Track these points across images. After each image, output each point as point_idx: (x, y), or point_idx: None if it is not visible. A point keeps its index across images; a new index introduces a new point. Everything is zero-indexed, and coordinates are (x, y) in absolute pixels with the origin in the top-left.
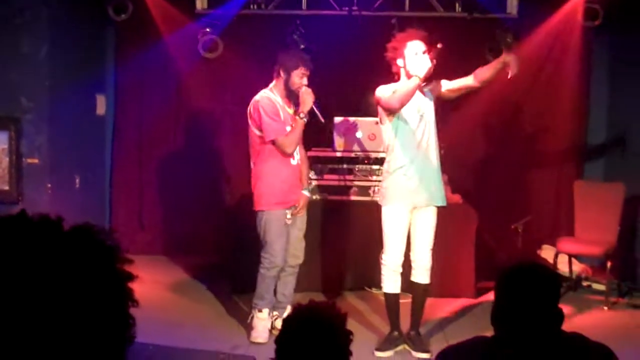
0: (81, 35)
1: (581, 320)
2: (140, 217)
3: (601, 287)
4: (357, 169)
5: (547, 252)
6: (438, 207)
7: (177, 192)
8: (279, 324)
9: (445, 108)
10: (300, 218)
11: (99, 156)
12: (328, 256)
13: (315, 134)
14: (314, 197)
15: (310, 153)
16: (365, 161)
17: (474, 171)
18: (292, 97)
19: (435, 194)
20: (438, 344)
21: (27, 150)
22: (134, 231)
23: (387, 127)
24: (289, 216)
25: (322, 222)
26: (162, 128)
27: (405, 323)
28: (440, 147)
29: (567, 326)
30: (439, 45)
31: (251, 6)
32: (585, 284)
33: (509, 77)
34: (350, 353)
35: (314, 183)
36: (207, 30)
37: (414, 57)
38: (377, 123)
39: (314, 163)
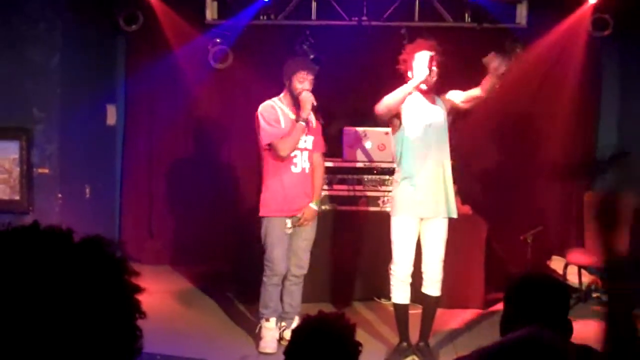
0: (92, 45)
1: (590, 332)
2: (150, 226)
3: None
4: (366, 179)
5: (556, 263)
6: (449, 219)
7: (187, 202)
8: (287, 334)
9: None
10: (306, 229)
11: (109, 166)
12: (337, 266)
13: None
14: (324, 207)
15: None
16: (375, 171)
17: (484, 182)
18: (298, 103)
19: (443, 205)
20: (447, 355)
21: (37, 160)
22: (143, 240)
23: (395, 137)
24: (289, 225)
25: (332, 232)
26: (172, 138)
27: (414, 334)
28: (452, 158)
29: (576, 338)
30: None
31: (261, 17)
32: (594, 295)
33: (497, 76)
34: None
35: (323, 193)
36: (218, 40)
37: (418, 67)
38: (386, 133)
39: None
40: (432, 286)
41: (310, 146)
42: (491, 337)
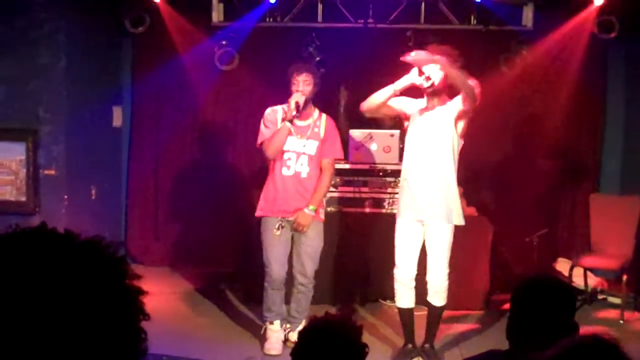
0: (98, 47)
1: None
2: (156, 228)
3: (617, 301)
4: (371, 181)
5: (562, 265)
6: (456, 226)
7: (193, 204)
8: (292, 336)
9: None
10: (308, 235)
11: (115, 167)
12: (342, 268)
13: None
14: (329, 208)
15: None
16: (380, 173)
17: (489, 184)
18: (305, 108)
19: (442, 210)
20: (452, 358)
21: (44, 161)
22: (148, 242)
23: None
24: (276, 226)
25: (337, 234)
26: (177, 139)
27: (419, 336)
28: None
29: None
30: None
31: (267, 19)
32: (600, 297)
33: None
34: None
35: (329, 195)
36: (224, 42)
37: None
38: (392, 135)
39: None
40: (435, 297)
41: (310, 151)
42: (497, 339)
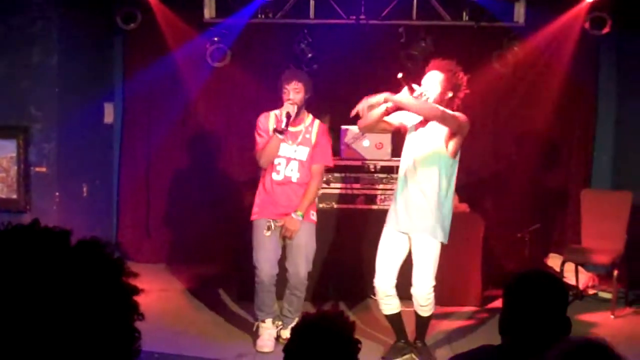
0: (90, 44)
1: (588, 329)
2: (147, 225)
3: (608, 296)
4: (363, 178)
5: (553, 261)
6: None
7: (184, 201)
8: (284, 333)
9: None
10: (297, 238)
11: (106, 165)
12: (334, 264)
13: None
14: (321, 205)
15: None
16: (372, 170)
17: (481, 180)
18: (297, 115)
19: (425, 225)
20: (444, 353)
21: (35, 158)
22: (140, 239)
23: None
24: (266, 227)
25: (329, 231)
26: (169, 136)
27: (411, 331)
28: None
29: (574, 335)
30: (399, 76)
31: (259, 15)
32: (592, 292)
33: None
34: None
35: (320, 192)
36: (216, 39)
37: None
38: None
39: None
40: (420, 309)
41: (301, 157)
42: (489, 335)
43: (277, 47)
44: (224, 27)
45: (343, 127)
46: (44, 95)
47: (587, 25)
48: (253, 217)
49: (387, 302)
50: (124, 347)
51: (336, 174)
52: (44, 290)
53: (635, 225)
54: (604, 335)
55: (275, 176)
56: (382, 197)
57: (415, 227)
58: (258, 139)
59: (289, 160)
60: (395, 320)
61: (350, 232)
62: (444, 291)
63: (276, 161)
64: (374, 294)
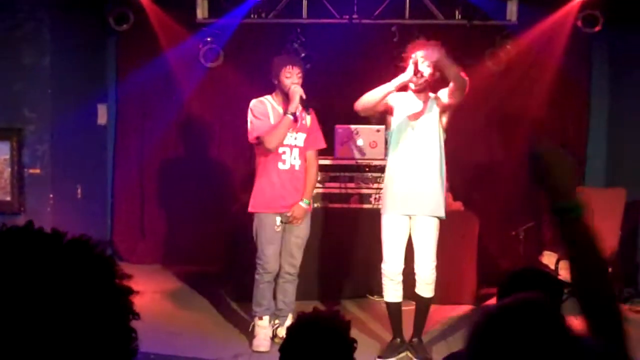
0: (82, 45)
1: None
2: (142, 226)
3: None
4: (357, 177)
5: (548, 259)
6: (440, 219)
7: (178, 202)
8: (280, 332)
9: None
10: (299, 227)
11: (100, 166)
12: (329, 264)
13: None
14: (315, 204)
15: None
16: (366, 169)
17: (475, 178)
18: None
19: (429, 204)
20: (440, 351)
21: (29, 160)
22: (135, 240)
23: (387, 134)
24: (278, 222)
25: (323, 230)
26: (163, 137)
27: (407, 330)
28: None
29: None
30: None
31: (252, 15)
32: None
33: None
34: None
35: (316, 191)
36: (208, 39)
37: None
38: (378, 130)
39: None
40: (423, 288)
41: (301, 144)
42: None
43: (270, 47)
44: (217, 28)
45: (337, 126)
46: (37, 97)
47: (579, 23)
48: (253, 209)
49: (393, 288)
50: (121, 346)
51: (330, 174)
52: (39, 291)
53: (629, 222)
54: None
55: (281, 166)
56: (377, 196)
57: (424, 207)
58: (257, 122)
59: (292, 148)
60: (395, 310)
61: (344, 231)
62: (439, 289)
63: (280, 150)
64: (370, 293)
